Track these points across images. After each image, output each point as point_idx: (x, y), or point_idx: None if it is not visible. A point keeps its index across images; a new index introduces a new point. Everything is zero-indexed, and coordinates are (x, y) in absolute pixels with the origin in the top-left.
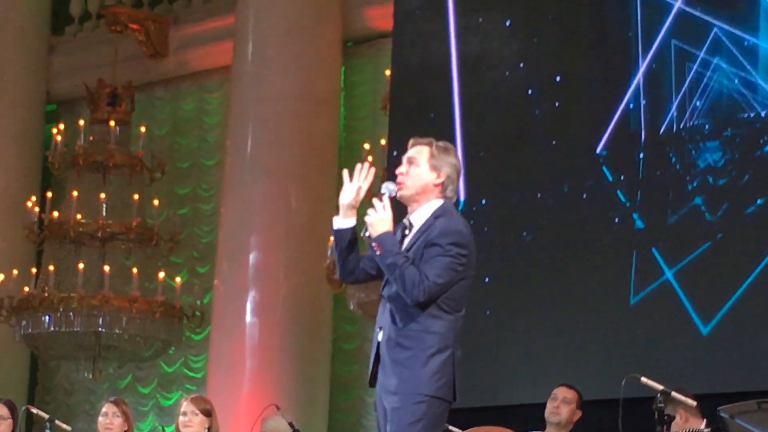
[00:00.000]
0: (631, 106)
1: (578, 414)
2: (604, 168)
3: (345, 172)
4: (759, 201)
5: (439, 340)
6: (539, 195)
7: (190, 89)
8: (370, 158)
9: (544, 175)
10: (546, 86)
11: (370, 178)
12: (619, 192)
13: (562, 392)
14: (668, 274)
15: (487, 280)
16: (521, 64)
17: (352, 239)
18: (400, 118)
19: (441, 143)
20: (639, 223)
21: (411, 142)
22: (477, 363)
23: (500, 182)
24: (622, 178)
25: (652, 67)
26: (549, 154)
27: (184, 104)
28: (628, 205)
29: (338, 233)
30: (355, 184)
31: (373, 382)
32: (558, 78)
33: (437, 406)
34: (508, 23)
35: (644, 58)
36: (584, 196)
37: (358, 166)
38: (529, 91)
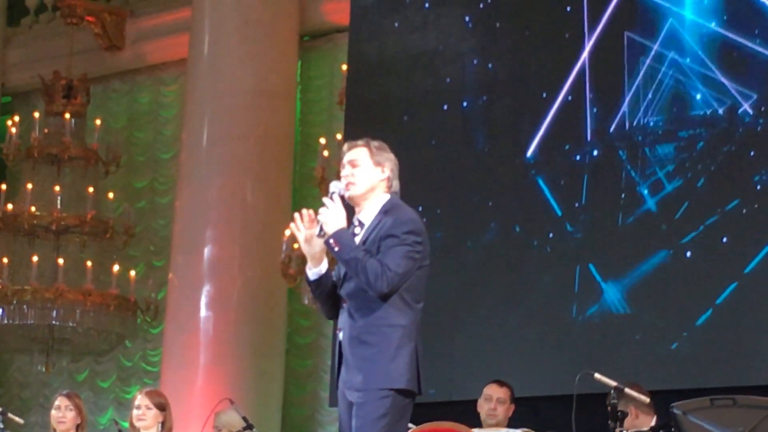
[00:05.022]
0: (570, 98)
1: (512, 408)
2: (535, 173)
3: (292, 227)
4: (718, 210)
5: (403, 333)
6: (474, 199)
7: (147, 82)
8: (325, 153)
9: (483, 178)
10: (487, 80)
11: (314, 222)
12: (553, 200)
13: (495, 392)
14: (609, 285)
15: (440, 278)
16: (475, 60)
17: (331, 281)
18: (356, 112)
19: (376, 142)
20: (577, 234)
21: (346, 146)
22: (431, 359)
23: (448, 182)
24: (562, 183)
25: (600, 58)
26: (487, 155)
27: (140, 97)
28: (560, 214)
29: (319, 282)
30: (308, 231)
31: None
32: (506, 74)
33: (401, 400)
34: (459, 14)
35: (589, 40)
36: (516, 204)
37: (296, 215)
38: (477, 88)
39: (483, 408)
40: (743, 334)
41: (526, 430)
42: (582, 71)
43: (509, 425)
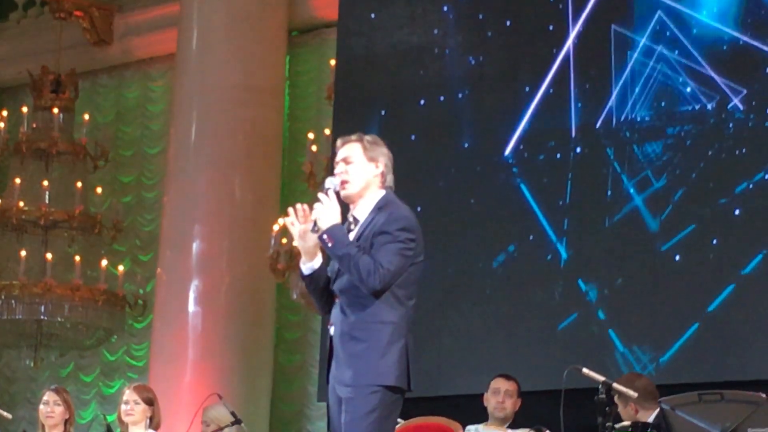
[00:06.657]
0: (551, 90)
1: (518, 403)
2: (517, 171)
3: (286, 221)
4: (708, 210)
5: (393, 330)
6: (456, 196)
7: (135, 77)
8: (314, 148)
9: (465, 174)
10: (473, 73)
11: (308, 217)
12: (534, 198)
13: (504, 385)
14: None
15: (425, 274)
16: (458, 54)
17: (325, 276)
18: (344, 108)
19: (369, 137)
20: (564, 251)
21: (339, 142)
22: (418, 353)
23: (430, 178)
24: (545, 181)
25: (586, 51)
26: (469, 151)
27: (128, 92)
28: (542, 213)
29: (312, 276)
30: (303, 225)
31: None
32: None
33: (391, 397)
34: (445, 8)
35: (574, 33)
36: (499, 202)
37: (290, 210)
38: (463, 81)
39: (490, 402)
40: (732, 332)
41: (531, 429)
42: (566, 65)
43: (515, 421)
